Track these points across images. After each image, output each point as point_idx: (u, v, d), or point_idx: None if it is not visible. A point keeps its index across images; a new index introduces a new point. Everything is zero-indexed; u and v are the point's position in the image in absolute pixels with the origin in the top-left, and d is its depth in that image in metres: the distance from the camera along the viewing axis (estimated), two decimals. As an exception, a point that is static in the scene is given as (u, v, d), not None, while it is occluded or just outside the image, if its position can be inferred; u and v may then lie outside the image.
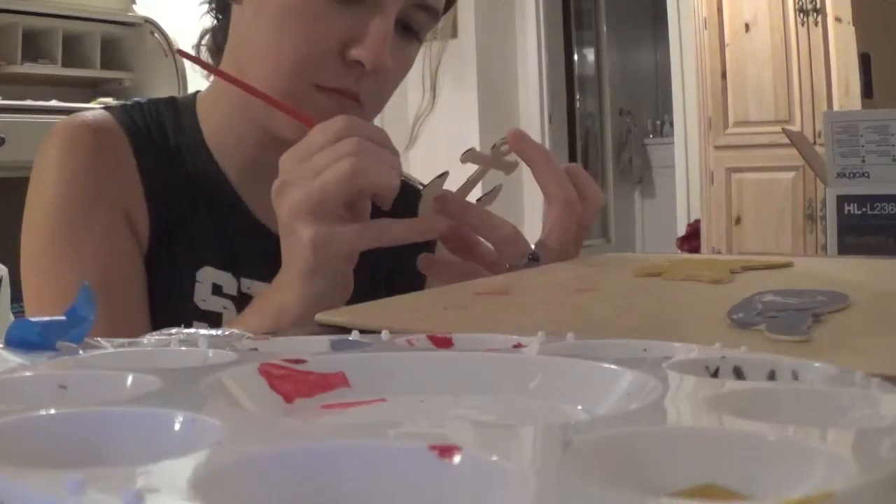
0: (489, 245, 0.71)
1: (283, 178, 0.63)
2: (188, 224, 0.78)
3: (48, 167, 0.75)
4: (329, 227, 0.62)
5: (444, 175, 0.70)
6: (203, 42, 0.84)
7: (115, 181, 0.76)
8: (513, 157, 0.72)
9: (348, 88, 0.72)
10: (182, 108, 0.81)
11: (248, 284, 0.77)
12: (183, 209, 0.78)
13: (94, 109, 0.80)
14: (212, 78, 0.82)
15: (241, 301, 0.76)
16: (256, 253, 0.78)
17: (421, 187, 0.73)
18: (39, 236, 0.74)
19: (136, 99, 0.83)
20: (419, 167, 0.72)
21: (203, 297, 0.76)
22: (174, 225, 0.77)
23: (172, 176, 0.78)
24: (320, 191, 0.61)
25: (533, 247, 0.70)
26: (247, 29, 0.75)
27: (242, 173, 0.80)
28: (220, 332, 0.36)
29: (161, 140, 0.79)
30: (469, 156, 0.70)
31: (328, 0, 0.70)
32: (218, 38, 0.82)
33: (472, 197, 0.71)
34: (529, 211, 4.21)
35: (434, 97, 0.87)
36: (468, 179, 0.70)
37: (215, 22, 0.82)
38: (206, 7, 0.82)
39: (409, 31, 0.75)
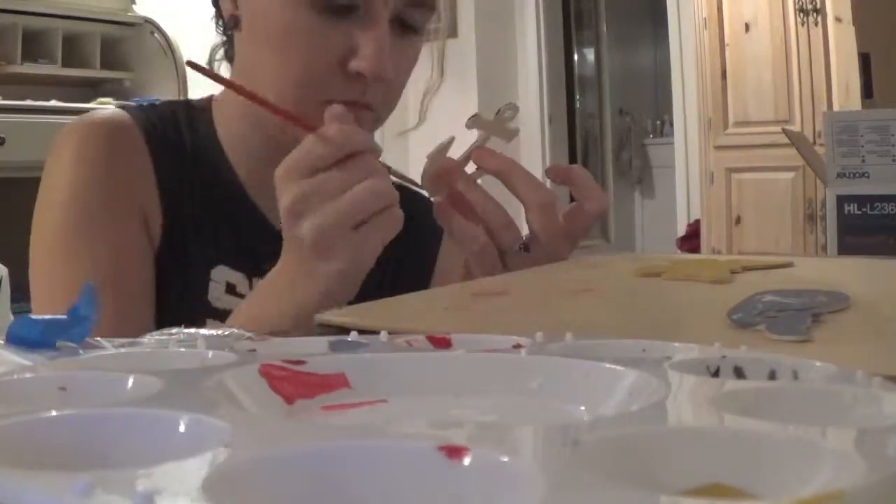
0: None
1: (296, 201, 0.61)
2: (202, 223, 0.78)
3: (64, 164, 0.75)
4: (359, 249, 0.62)
5: (449, 142, 0.71)
6: (217, 58, 0.84)
7: (130, 179, 0.76)
8: (515, 123, 0.74)
9: (358, 100, 0.71)
10: (197, 111, 0.82)
11: None
12: (197, 208, 0.78)
13: (110, 108, 0.80)
14: None
15: None
16: (268, 254, 0.78)
17: (416, 189, 0.73)
18: (52, 234, 0.74)
19: (150, 101, 0.83)
20: (420, 167, 0.72)
21: (217, 296, 0.76)
22: (188, 224, 0.77)
23: (187, 175, 0.78)
24: (342, 216, 0.60)
25: (524, 237, 0.70)
26: (248, 54, 0.76)
27: (255, 175, 0.80)
28: (218, 332, 0.36)
29: (176, 140, 0.79)
30: (474, 122, 0.73)
31: (319, 17, 0.69)
32: (229, 53, 0.81)
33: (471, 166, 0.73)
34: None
35: (442, 70, 0.87)
36: (470, 148, 0.72)
37: (225, 37, 0.82)
38: (210, 15, 0.82)
39: (408, 29, 0.74)
